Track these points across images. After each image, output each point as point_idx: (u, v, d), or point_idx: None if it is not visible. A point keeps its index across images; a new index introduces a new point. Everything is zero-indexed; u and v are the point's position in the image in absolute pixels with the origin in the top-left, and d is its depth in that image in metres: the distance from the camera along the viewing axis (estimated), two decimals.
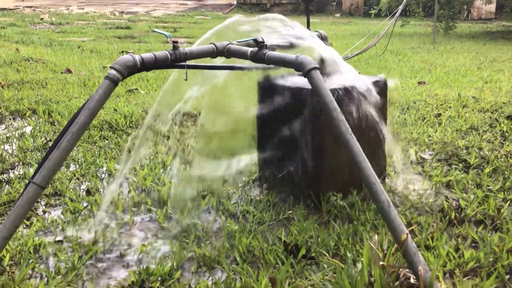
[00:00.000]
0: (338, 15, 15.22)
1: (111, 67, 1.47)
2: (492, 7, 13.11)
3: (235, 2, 17.42)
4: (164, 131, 2.78)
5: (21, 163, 2.41)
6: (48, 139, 2.76)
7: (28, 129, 2.94)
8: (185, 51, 1.63)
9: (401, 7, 5.43)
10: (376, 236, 1.40)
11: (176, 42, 1.59)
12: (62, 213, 1.92)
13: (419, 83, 4.45)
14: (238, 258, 1.58)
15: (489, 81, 4.56)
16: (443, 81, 4.60)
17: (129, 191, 2.09)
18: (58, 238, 1.72)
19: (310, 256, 1.58)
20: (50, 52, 6.28)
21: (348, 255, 1.55)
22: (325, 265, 1.53)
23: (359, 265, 1.43)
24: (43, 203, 2.01)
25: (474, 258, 1.55)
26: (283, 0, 16.29)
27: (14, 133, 2.87)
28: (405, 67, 5.47)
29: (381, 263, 1.31)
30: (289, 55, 1.61)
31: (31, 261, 1.56)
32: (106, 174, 2.31)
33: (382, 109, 2.03)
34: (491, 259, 1.56)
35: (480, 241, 1.66)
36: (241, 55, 1.73)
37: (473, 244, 1.68)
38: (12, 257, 1.58)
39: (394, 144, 2.45)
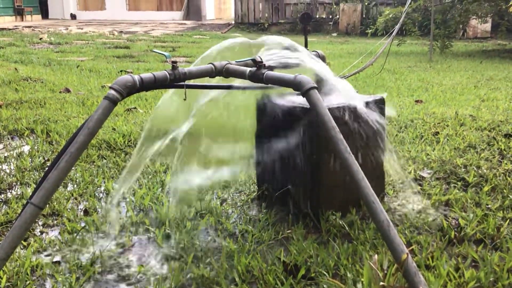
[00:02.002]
0: (335, 34, 15.37)
1: (110, 87, 1.47)
2: (488, 26, 13.28)
3: (233, 22, 17.59)
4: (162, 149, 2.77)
5: (19, 183, 2.40)
6: (46, 158, 2.75)
7: (26, 149, 2.94)
8: (184, 71, 1.64)
9: (397, 27, 5.48)
10: (376, 256, 1.39)
11: (176, 62, 1.61)
12: (59, 233, 1.91)
13: (416, 101, 4.47)
14: (237, 279, 1.57)
15: (486, 99, 4.59)
16: (440, 99, 4.63)
17: (127, 211, 2.08)
18: (55, 259, 1.71)
19: (309, 276, 1.57)
20: (48, 71, 6.31)
21: (348, 275, 1.53)
22: (325, 286, 1.51)
23: (359, 286, 1.42)
24: (40, 223, 2.00)
25: (475, 278, 1.54)
26: (281, 19, 16.46)
27: (12, 152, 2.87)
28: (402, 86, 5.51)
29: (381, 283, 1.30)
30: (288, 75, 1.62)
31: (28, 282, 1.55)
32: (104, 194, 2.30)
33: (381, 128, 2.03)
34: (491, 279, 1.54)
35: (480, 261, 1.65)
36: (240, 75, 1.74)
37: (473, 264, 1.67)
38: (9, 279, 1.56)
39: (392, 163, 2.45)
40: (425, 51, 9.45)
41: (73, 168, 2.43)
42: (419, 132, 3.26)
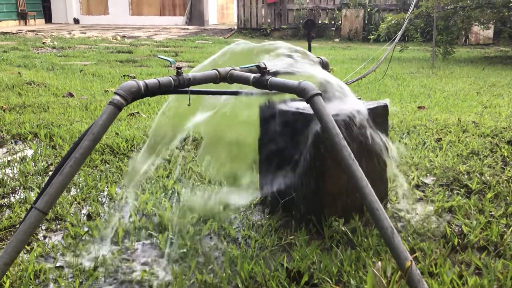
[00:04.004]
0: (337, 40, 15.39)
1: (115, 93, 1.48)
2: (490, 32, 13.29)
3: (235, 27, 17.63)
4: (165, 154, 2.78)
5: (22, 187, 2.40)
6: (49, 163, 2.76)
7: (30, 153, 2.94)
8: (188, 77, 1.65)
9: (400, 33, 5.49)
10: (379, 262, 1.39)
11: (180, 68, 1.61)
12: (62, 238, 1.91)
13: (419, 107, 4.47)
14: (240, 285, 1.57)
15: (489, 106, 4.59)
16: (443, 105, 4.63)
17: (130, 216, 2.08)
18: (58, 264, 1.71)
19: (313, 283, 1.56)
20: (52, 76, 6.33)
21: (352, 282, 1.53)
22: None
23: None
24: (43, 227, 2.00)
25: (478, 285, 1.53)
26: (283, 25, 16.49)
27: (15, 157, 2.88)
28: (405, 92, 5.51)
29: None
30: (292, 81, 1.62)
31: (31, 287, 1.55)
32: (107, 199, 2.30)
33: (384, 134, 2.03)
34: (495, 287, 1.54)
35: (484, 268, 1.65)
36: (244, 81, 1.74)
37: (476, 271, 1.67)
38: (12, 283, 1.56)
39: (395, 169, 2.45)
40: (428, 57, 9.45)
41: None
42: (421, 138, 3.26)
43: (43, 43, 11.51)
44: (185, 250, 1.80)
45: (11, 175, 2.58)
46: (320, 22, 16.21)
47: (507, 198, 2.26)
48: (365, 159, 1.95)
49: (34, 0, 20.40)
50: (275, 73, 1.79)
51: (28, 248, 1.82)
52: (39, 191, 2.14)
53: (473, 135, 3.31)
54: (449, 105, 4.66)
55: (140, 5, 21.78)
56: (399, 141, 3.18)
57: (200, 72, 1.73)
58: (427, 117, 3.90)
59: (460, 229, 1.96)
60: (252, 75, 1.72)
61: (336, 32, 15.96)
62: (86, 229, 1.97)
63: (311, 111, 1.60)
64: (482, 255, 1.76)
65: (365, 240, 1.83)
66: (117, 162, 2.78)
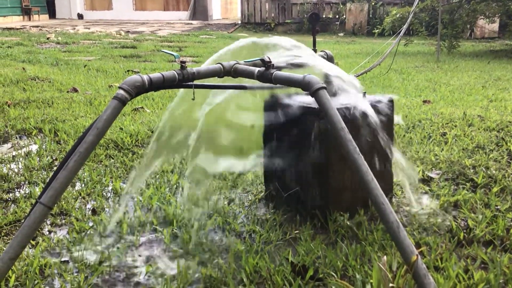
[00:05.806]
0: (341, 34, 15.34)
1: (119, 87, 1.47)
2: (495, 26, 13.21)
3: (239, 22, 17.59)
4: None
5: (27, 182, 2.41)
6: (54, 158, 2.76)
7: (34, 148, 2.95)
8: (192, 71, 1.64)
9: (405, 27, 5.46)
10: (385, 257, 1.38)
11: (184, 62, 1.60)
12: (68, 232, 1.91)
13: (424, 101, 4.45)
14: (245, 279, 1.57)
15: (494, 99, 4.56)
16: (448, 99, 4.60)
17: (135, 210, 2.09)
18: (63, 259, 1.71)
19: (318, 277, 1.56)
20: (56, 71, 6.33)
21: (357, 276, 1.53)
22: (333, 287, 1.51)
23: (368, 287, 1.41)
24: (48, 222, 2.00)
25: (484, 279, 1.53)
26: (287, 19, 16.44)
27: (20, 152, 2.88)
28: (410, 86, 5.49)
29: (390, 285, 1.29)
30: (296, 75, 1.61)
31: (36, 282, 1.55)
32: (112, 193, 2.30)
33: (389, 128, 2.02)
34: (501, 281, 1.53)
35: (490, 262, 1.64)
36: (248, 75, 1.73)
37: (482, 265, 1.66)
38: (18, 278, 1.56)
39: (400, 163, 2.43)
40: (433, 51, 9.41)
41: None
42: (427, 132, 3.24)
43: (47, 38, 11.52)
44: (189, 244, 1.79)
45: (16, 170, 2.58)
46: (324, 16, 16.15)
47: None
48: (370, 153, 1.94)
49: None
50: (279, 67, 1.78)
51: (33, 242, 1.82)
52: (44, 186, 2.14)
53: (479, 129, 3.29)
54: (454, 99, 4.64)
55: (143, 0, 21.77)
56: (404, 135, 3.17)
57: (205, 66, 1.72)
58: (432, 111, 3.88)
59: (466, 223, 1.95)
60: (256, 69, 1.71)
61: (340, 26, 15.90)
62: (91, 223, 1.97)
63: (316, 105, 1.59)
64: (488, 249, 1.75)
65: (370, 234, 1.83)
66: (122, 157, 2.78)
